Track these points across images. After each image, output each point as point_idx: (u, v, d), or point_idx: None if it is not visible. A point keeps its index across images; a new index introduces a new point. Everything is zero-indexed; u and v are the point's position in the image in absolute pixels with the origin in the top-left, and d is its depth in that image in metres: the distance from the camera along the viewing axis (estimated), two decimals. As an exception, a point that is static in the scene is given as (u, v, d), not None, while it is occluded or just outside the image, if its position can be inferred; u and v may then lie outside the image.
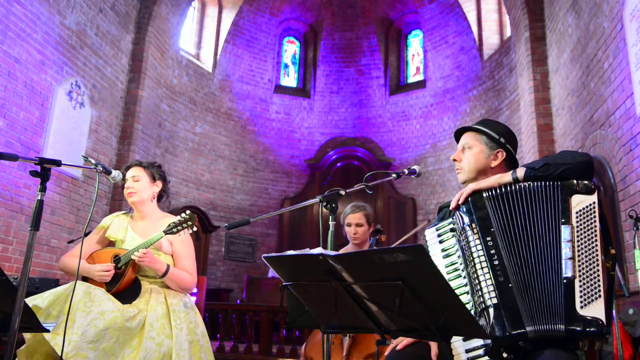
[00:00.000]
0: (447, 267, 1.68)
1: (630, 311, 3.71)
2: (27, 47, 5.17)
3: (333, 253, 1.24)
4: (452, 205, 1.72)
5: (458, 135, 1.94)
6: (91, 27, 6.24)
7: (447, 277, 1.65)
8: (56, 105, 5.55)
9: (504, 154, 1.82)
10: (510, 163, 1.84)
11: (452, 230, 1.70)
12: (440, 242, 1.73)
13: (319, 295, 1.39)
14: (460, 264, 1.64)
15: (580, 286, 1.45)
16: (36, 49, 5.29)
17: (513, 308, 1.48)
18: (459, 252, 1.65)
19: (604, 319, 1.40)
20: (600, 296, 1.42)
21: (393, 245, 1.98)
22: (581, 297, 1.44)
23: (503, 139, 1.83)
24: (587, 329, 1.40)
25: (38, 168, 1.83)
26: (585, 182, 1.54)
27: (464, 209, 1.66)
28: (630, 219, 3.42)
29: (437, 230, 1.76)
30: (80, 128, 5.99)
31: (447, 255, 1.70)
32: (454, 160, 1.89)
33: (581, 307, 1.43)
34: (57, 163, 1.86)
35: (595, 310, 1.41)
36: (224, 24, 9.86)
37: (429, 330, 1.27)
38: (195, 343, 2.34)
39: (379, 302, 1.27)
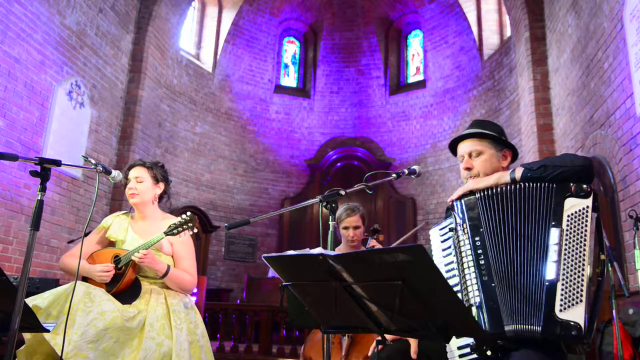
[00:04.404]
0: (447, 266, 1.69)
1: (630, 311, 3.71)
2: (27, 47, 5.17)
3: (333, 253, 1.24)
4: (448, 202, 1.75)
5: (454, 144, 1.87)
6: (91, 27, 6.24)
7: (446, 276, 1.66)
8: (56, 105, 5.55)
9: (511, 152, 1.83)
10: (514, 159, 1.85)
11: (450, 230, 1.71)
12: (442, 241, 1.75)
13: (319, 295, 1.39)
14: (455, 262, 1.66)
15: (562, 290, 1.45)
16: (36, 49, 5.29)
17: (494, 307, 1.50)
18: (454, 251, 1.67)
19: (582, 324, 1.39)
20: (581, 301, 1.42)
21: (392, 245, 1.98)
22: (562, 300, 1.44)
23: (504, 137, 1.84)
24: (563, 332, 1.41)
25: (38, 168, 1.83)
26: (582, 185, 1.53)
27: (459, 209, 1.68)
28: (630, 219, 3.42)
29: (440, 230, 1.77)
30: (80, 128, 5.99)
31: (447, 255, 1.71)
32: (467, 169, 1.79)
33: (560, 311, 1.43)
34: (57, 163, 1.86)
35: (575, 314, 1.41)
36: (224, 24, 9.85)
37: (429, 330, 1.27)
38: (195, 343, 2.34)
39: (378, 302, 1.27)
